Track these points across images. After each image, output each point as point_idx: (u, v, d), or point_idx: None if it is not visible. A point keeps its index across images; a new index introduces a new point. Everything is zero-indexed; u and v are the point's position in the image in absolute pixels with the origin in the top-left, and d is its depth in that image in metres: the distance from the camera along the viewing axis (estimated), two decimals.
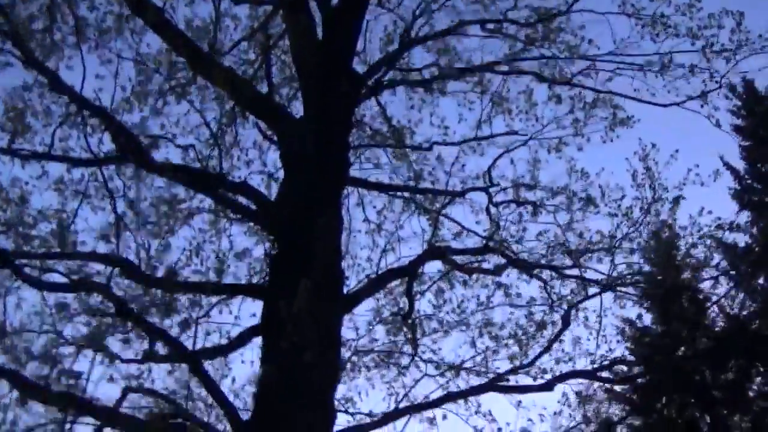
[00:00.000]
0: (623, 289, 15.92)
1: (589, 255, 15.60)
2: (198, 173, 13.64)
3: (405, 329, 15.07)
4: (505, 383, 14.84)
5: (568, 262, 15.56)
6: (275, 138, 14.28)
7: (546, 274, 15.53)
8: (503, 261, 15.02)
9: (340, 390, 15.11)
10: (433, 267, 15.56)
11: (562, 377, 15.15)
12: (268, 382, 11.05)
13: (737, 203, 22.50)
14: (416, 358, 15.03)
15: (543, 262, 15.28)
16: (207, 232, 15.46)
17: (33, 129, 14.53)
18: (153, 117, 14.93)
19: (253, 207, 13.00)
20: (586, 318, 15.75)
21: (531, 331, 15.35)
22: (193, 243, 15.16)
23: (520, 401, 15.16)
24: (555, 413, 15.67)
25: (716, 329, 22.71)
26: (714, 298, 21.82)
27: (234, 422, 11.58)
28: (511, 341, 15.33)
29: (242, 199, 13.66)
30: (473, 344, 15.37)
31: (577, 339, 15.48)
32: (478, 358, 15.32)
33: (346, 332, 15.29)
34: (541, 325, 15.27)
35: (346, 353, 15.30)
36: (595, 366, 15.27)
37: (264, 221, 12.82)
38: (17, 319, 14.11)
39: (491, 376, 14.91)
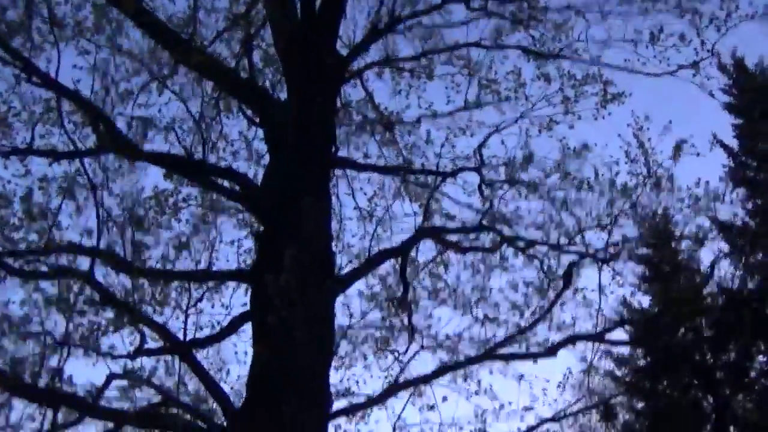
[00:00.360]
0: (621, 264, 15.04)
1: (585, 232, 14.93)
2: (182, 159, 13.11)
3: (401, 313, 14.42)
4: (504, 351, 14.16)
5: (563, 240, 14.91)
6: (260, 123, 13.74)
7: (542, 252, 14.84)
8: (498, 239, 14.37)
9: (338, 379, 14.54)
10: (428, 250, 14.99)
11: (566, 341, 14.30)
12: (259, 364, 10.54)
13: (731, 181, 22.10)
14: (414, 340, 14.32)
15: (538, 239, 14.58)
16: (196, 225, 14.88)
17: (13, 127, 14.00)
18: (135, 109, 14.40)
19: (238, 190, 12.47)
20: (585, 297, 15.10)
21: (530, 299, 14.63)
22: (181, 236, 14.57)
23: (521, 375, 14.57)
24: (559, 385, 14.92)
25: (716, 307, 22.31)
26: (713, 278, 21.35)
27: (226, 411, 11.02)
28: (509, 311, 14.64)
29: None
30: (470, 312, 14.66)
31: (578, 303, 14.68)
32: (476, 329, 14.68)
33: (341, 319, 14.74)
34: (541, 292, 14.57)
35: (342, 340, 14.75)
36: (599, 329, 14.40)
37: (249, 203, 12.29)
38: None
39: (490, 346, 14.19)
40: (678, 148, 14.74)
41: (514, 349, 14.16)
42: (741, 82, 23.17)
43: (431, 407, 15.05)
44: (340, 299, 13.38)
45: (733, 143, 23.08)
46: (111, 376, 11.99)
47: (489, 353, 13.83)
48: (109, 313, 13.35)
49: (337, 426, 15.19)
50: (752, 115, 22.81)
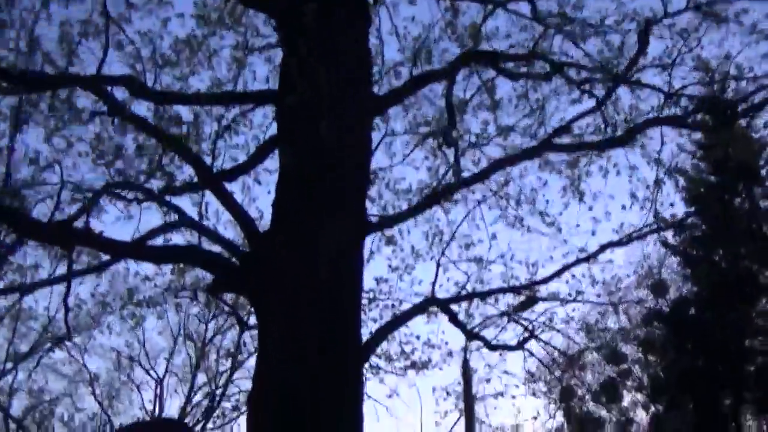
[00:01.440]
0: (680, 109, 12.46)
1: (644, 70, 12.52)
2: None
3: (446, 148, 12.22)
4: (563, 141, 11.46)
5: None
6: None
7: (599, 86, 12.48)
8: (550, 68, 12.03)
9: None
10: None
11: (643, 126, 11.66)
12: (285, 180, 8.69)
13: None
14: (460, 183, 12.08)
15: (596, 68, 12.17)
16: (230, 70, 12.87)
17: None
18: None
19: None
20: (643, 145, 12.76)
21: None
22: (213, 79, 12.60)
23: (582, 193, 12.24)
24: (624, 207, 12.46)
25: None
26: None
27: (250, 235, 9.16)
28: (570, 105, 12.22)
29: None
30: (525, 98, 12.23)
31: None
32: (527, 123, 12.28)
33: (382, 160, 12.78)
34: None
35: (383, 187, 12.73)
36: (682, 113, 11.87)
37: (282, 24, 10.22)
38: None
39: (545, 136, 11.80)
40: None
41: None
42: None
43: (484, 265, 13.17)
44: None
45: None
46: (106, 186, 10.07)
47: (547, 143, 11.34)
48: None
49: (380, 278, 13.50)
50: None
